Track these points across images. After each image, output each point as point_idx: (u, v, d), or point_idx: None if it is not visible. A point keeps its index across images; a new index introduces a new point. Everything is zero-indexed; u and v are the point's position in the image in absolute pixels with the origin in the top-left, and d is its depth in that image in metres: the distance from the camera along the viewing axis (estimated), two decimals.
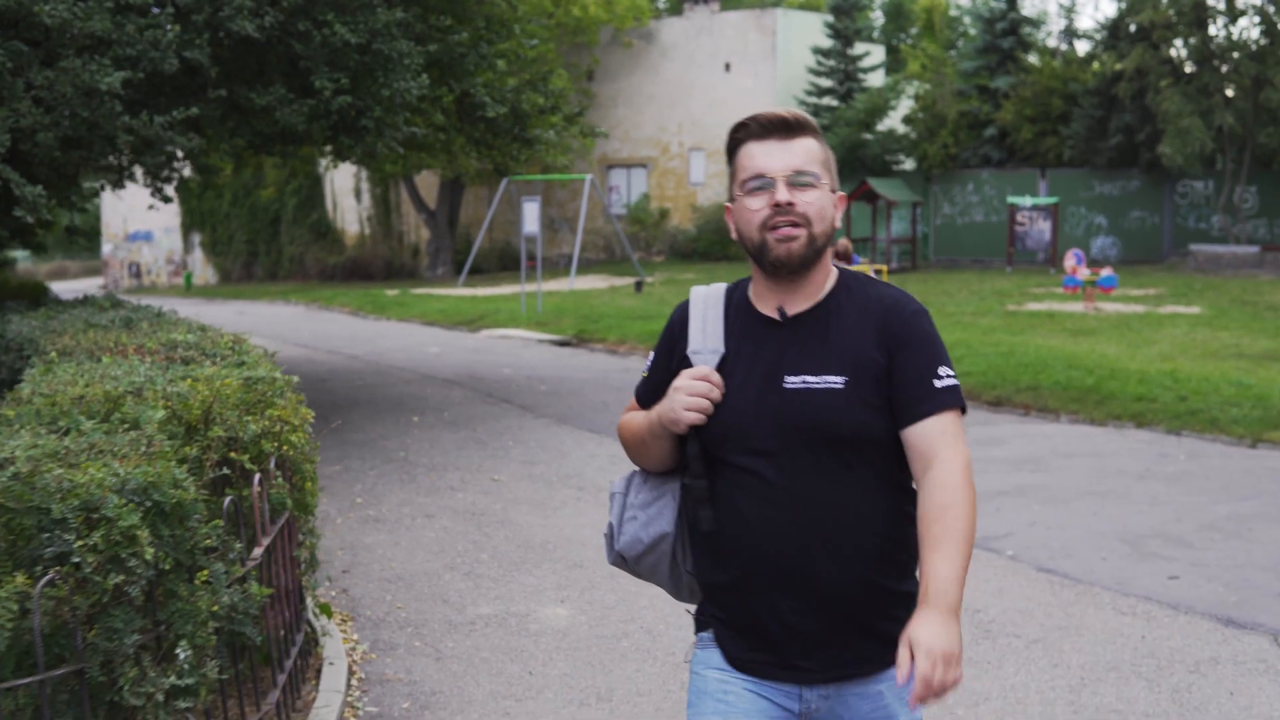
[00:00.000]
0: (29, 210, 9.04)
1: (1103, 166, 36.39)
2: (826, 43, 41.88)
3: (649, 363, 3.14)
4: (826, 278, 2.98)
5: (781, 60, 40.89)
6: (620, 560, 3.12)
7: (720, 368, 2.94)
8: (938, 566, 2.72)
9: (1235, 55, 32.24)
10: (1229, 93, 32.07)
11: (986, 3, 41.45)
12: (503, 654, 6.51)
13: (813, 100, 41.35)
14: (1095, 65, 36.75)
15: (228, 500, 4.85)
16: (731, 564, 2.92)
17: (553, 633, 6.81)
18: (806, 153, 2.92)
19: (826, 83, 41.63)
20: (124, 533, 4.00)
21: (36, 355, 7.21)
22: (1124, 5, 34.64)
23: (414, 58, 11.19)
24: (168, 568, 4.18)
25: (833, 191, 2.95)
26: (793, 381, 2.88)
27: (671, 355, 3.06)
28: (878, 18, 57.74)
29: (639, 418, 3.09)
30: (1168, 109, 31.79)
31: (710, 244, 40.49)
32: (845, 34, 41.39)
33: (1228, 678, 6.13)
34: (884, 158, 39.57)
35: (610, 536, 3.14)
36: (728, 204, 3.01)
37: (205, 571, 4.40)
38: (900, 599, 2.92)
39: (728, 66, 41.52)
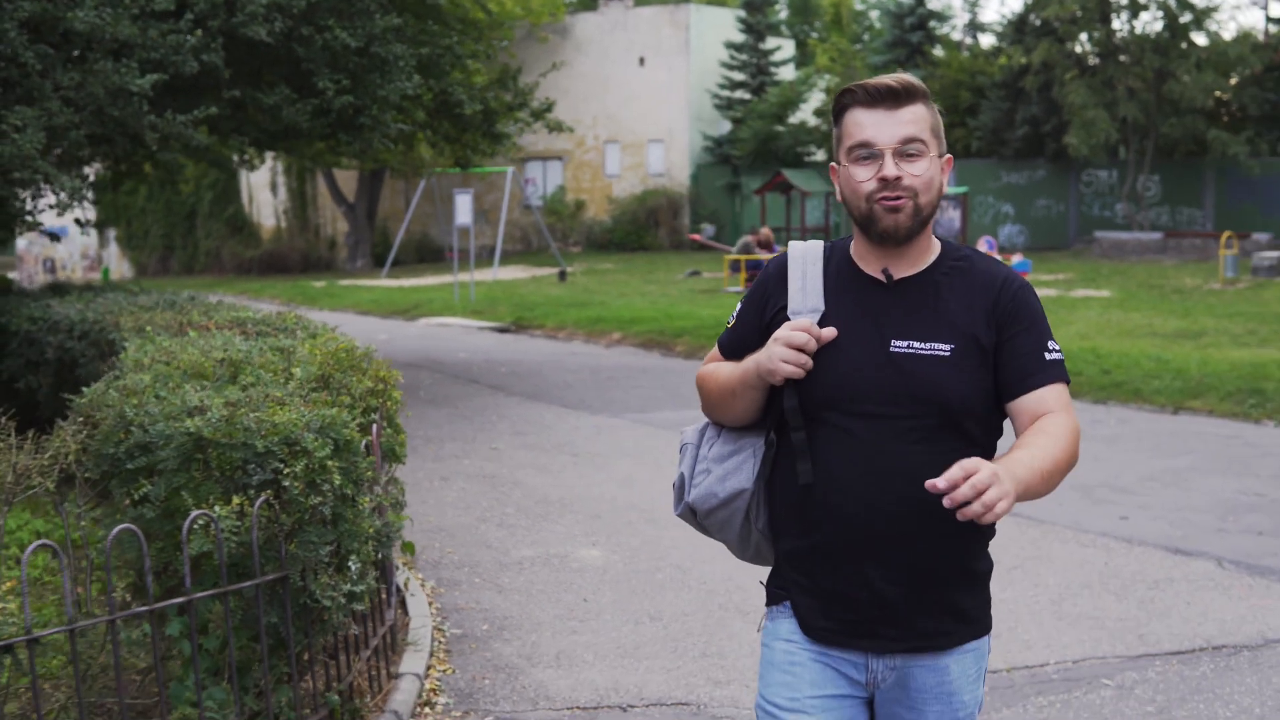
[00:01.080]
0: (74, 198, 9.86)
1: (1010, 157, 37.92)
2: (739, 37, 43.02)
3: (735, 314, 3.13)
4: (931, 244, 2.98)
5: (695, 54, 41.96)
6: (690, 512, 3.10)
7: (821, 325, 2.92)
8: (1019, 453, 2.77)
9: (1139, 49, 33.80)
10: (1132, 85, 33.62)
11: (896, 1, 42.83)
12: (555, 586, 7.45)
13: (725, 94, 42.49)
14: (1002, 59, 38.24)
15: (364, 442, 5.74)
16: (822, 526, 2.90)
17: (593, 569, 7.76)
18: (915, 121, 2.88)
19: (739, 76, 42.78)
20: (320, 463, 4.90)
21: (119, 331, 7.96)
22: (1030, 0, 36.12)
23: (407, 60, 12.09)
24: (349, 492, 5.08)
25: (940, 156, 2.94)
26: (899, 346, 2.87)
27: (764, 309, 3.04)
28: (783, 12, 59.08)
29: (725, 368, 3.06)
30: (1073, 101, 33.29)
31: (626, 235, 41.49)
32: (757, 28, 42.59)
33: (1183, 592, 7.23)
34: (796, 149, 40.82)
35: (680, 488, 3.11)
36: (833, 164, 3.00)
37: (366, 498, 5.31)
38: (981, 575, 2.97)
39: (642, 61, 42.52)
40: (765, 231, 29.38)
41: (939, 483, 2.55)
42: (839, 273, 2.99)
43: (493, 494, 9.75)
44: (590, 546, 8.27)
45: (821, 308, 2.94)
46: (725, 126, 42.60)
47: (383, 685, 5.80)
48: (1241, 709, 5.60)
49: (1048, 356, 2.90)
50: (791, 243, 3.06)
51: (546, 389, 15.03)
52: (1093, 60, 35.21)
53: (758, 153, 40.52)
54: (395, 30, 11.97)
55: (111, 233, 49.92)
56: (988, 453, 2.94)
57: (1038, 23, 36.15)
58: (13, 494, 4.94)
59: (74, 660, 4.22)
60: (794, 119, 41.33)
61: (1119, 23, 34.61)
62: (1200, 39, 33.91)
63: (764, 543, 3.05)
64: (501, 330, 22.87)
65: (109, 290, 11.20)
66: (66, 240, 52.86)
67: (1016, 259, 25.86)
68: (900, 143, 2.86)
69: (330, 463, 4.93)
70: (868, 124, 2.87)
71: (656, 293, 27.04)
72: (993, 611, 3.03)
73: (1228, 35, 34.27)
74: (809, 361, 2.85)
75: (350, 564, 5.17)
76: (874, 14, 51.99)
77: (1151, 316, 20.28)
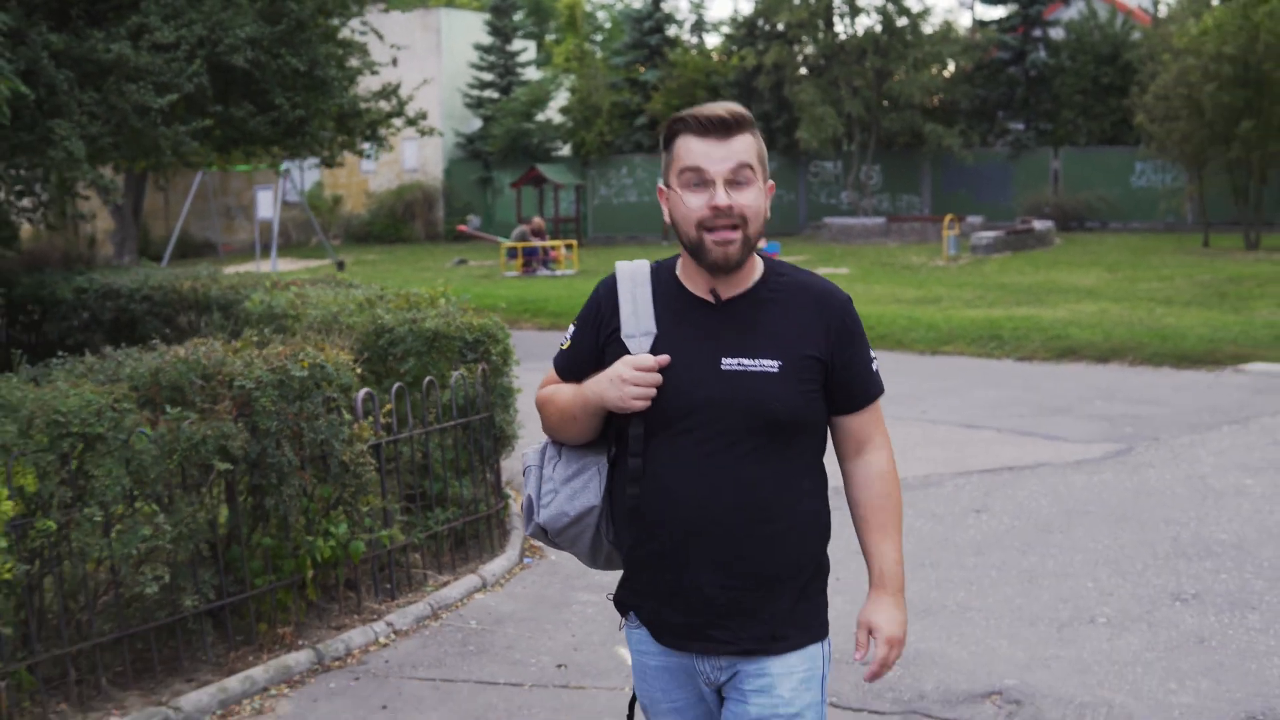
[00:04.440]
0: (112, 195, 12.76)
1: None
2: (487, 39, 46.41)
3: (569, 335, 3.26)
4: (755, 265, 3.13)
5: (446, 56, 45.16)
6: (541, 531, 3.24)
7: (654, 347, 3.06)
8: (885, 551, 3.10)
9: (859, 50, 38.64)
10: (856, 84, 38.41)
11: (627, 4, 46.94)
12: None
13: (475, 93, 45.83)
14: (734, 60, 42.66)
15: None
16: (658, 535, 3.07)
17: None
18: (745, 150, 3.02)
19: (488, 76, 46.17)
20: (505, 346, 8.29)
21: (244, 291, 10.92)
22: (760, 5, 40.65)
23: (340, 80, 15.22)
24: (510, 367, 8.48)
25: (764, 183, 3.07)
26: (729, 364, 3.02)
27: (598, 331, 3.18)
28: (518, 14, 62.60)
29: (565, 392, 3.20)
30: (804, 99, 37.88)
31: (384, 228, 44.41)
32: (504, 31, 46.08)
33: (980, 444, 11.11)
34: (544, 145, 44.50)
35: (529, 509, 3.25)
36: (661, 187, 3.12)
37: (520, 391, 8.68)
38: (812, 584, 3.14)
39: (395, 62, 45.36)
40: (538, 221, 32.94)
41: (856, 655, 3.17)
42: (667, 294, 3.14)
43: None
44: None
45: (654, 330, 3.08)
46: (476, 124, 45.94)
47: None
48: (1029, 495, 9.43)
49: (873, 367, 3.18)
50: (618, 264, 3.22)
51: None
52: (819, 61, 39.93)
53: (508, 148, 44.03)
54: (329, 57, 15.12)
55: None
56: (815, 459, 3.14)
57: (767, 27, 40.74)
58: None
59: (395, 459, 7.54)
60: (541, 117, 44.97)
61: (841, 26, 39.43)
62: (915, 40, 38.92)
63: (614, 553, 3.24)
64: None
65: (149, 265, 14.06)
66: None
67: (765, 243, 29.96)
68: (731, 171, 2.99)
69: (511, 349, 8.32)
70: (699, 152, 3.00)
71: (436, 279, 30.10)
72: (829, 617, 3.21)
73: (940, 38, 39.46)
74: (654, 393, 3.02)
75: (513, 408, 8.54)
76: (601, 14, 55.96)
77: (892, 288, 24.51)
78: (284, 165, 39.57)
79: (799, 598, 3.09)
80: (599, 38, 52.39)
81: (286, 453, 6.44)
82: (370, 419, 7.12)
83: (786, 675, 3.08)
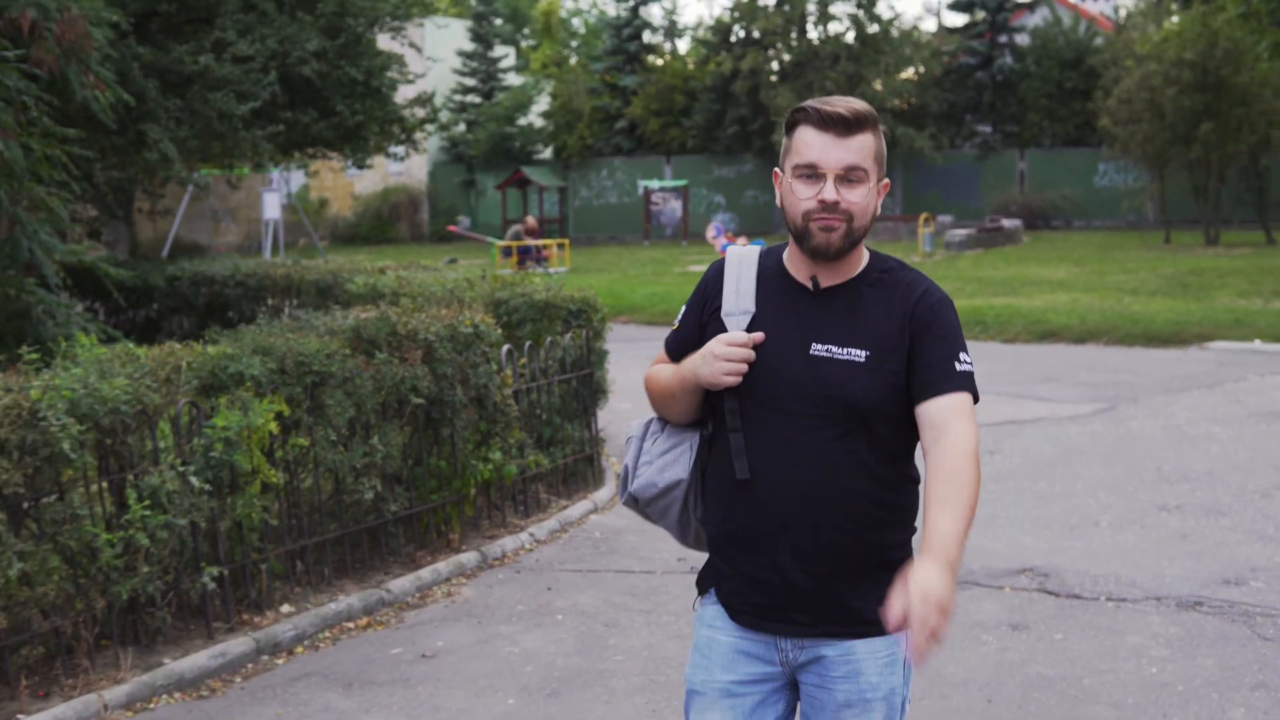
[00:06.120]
0: (205, 194, 14.46)
1: (720, 153, 44.34)
2: (469, 46, 48.15)
3: (680, 316, 3.39)
4: (860, 257, 3.21)
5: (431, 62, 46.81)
6: (633, 501, 3.41)
7: (750, 327, 3.18)
8: (942, 524, 2.91)
9: (832, 55, 40.60)
10: (829, 88, 40.30)
11: (603, 12, 48.78)
12: None
13: (459, 98, 47.53)
14: (710, 65, 44.52)
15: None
16: (740, 514, 3.18)
17: None
18: (861, 150, 3.08)
19: (471, 82, 47.88)
20: (603, 315, 10.01)
21: (344, 276, 12.58)
22: (735, 14, 42.54)
23: (392, 88, 16.99)
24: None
25: (879, 182, 3.15)
26: (819, 350, 3.12)
27: (703, 310, 3.32)
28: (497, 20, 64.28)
29: (667, 371, 3.35)
30: (779, 104, 39.76)
31: (370, 229, 46.05)
32: (486, 38, 47.82)
33: (985, 405, 12.91)
34: (526, 149, 46.28)
35: (624, 478, 3.42)
36: (777, 171, 3.23)
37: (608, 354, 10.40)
38: (892, 568, 3.11)
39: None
40: (531, 221, 34.61)
41: (890, 615, 2.76)
42: (771, 278, 3.24)
43: None
44: None
45: (752, 310, 3.20)
46: (459, 127, 47.63)
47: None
48: (1033, 441, 11.20)
49: (958, 367, 3.10)
50: (731, 247, 3.33)
51: None
52: (794, 66, 41.85)
53: (492, 152, 45.77)
54: (384, 67, 16.91)
55: None
56: (902, 449, 3.18)
57: (743, 33, 42.65)
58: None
59: (530, 403, 9.27)
60: (523, 120, 46.73)
61: (815, 32, 41.38)
62: (886, 47, 40.93)
63: (702, 531, 3.36)
64: None
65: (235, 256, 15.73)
66: None
67: (741, 241, 31.70)
68: (844, 169, 3.06)
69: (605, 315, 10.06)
70: (815, 145, 3.07)
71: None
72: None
73: (909, 42, 41.49)
74: (745, 369, 3.13)
75: (606, 367, 10.26)
76: (576, 21, 57.69)
77: None
78: (274, 170, 41.26)
79: (884, 584, 3.02)
80: (574, 43, 54.16)
81: (458, 393, 8.16)
82: (510, 370, 8.85)
83: (871, 657, 3.17)
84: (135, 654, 6.49)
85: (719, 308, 3.25)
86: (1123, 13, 42.51)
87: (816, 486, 3.09)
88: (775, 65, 42.56)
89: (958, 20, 45.65)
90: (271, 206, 30.97)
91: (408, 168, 47.05)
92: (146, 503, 6.35)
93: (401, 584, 7.66)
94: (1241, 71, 29.55)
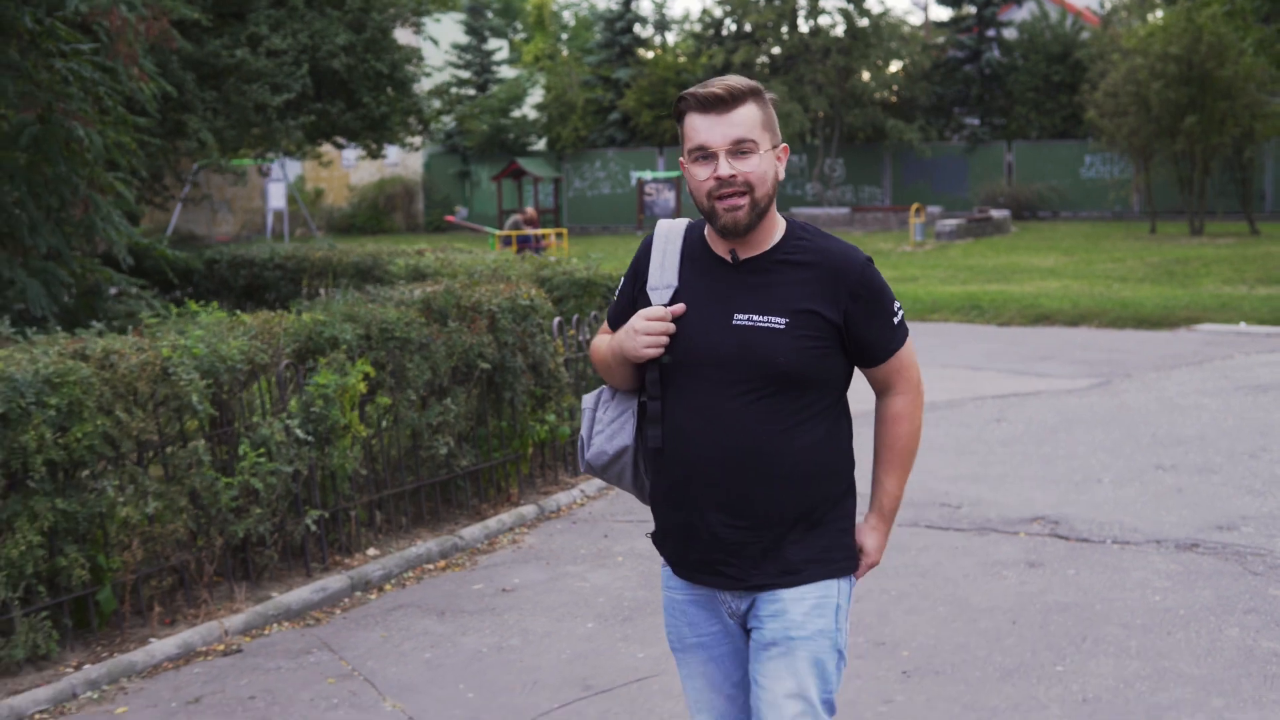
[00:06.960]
0: (241, 181, 15.20)
1: None
2: (464, 38, 48.89)
3: (618, 289, 3.59)
4: (775, 227, 3.38)
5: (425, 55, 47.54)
6: (589, 468, 3.61)
7: (673, 300, 3.37)
8: (889, 486, 3.50)
9: (823, 49, 41.45)
10: (820, 81, 41.18)
11: (594, 6, 49.59)
12: None
13: (454, 91, 48.22)
14: (703, 58, 45.31)
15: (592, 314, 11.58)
16: (671, 472, 3.39)
17: None
18: (745, 122, 3.25)
19: (465, 74, 48.64)
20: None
21: (384, 258, 13.37)
22: (728, 8, 43.37)
23: (416, 79, 17.80)
24: None
25: (774, 148, 3.31)
26: (740, 319, 3.29)
27: (635, 283, 3.52)
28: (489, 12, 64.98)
29: (606, 342, 3.53)
30: (771, 96, 40.52)
31: (366, 219, 46.74)
32: (480, 30, 48.57)
33: (986, 381, 13.76)
34: (520, 140, 47.08)
35: (581, 447, 3.62)
36: (681, 160, 3.39)
37: None
38: (825, 525, 3.39)
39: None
40: (530, 211, 35.28)
41: None
42: (694, 251, 3.44)
43: None
44: None
45: (675, 283, 3.39)
46: (448, 120, 48.35)
47: None
48: (1035, 411, 12.02)
49: (894, 321, 3.39)
50: (660, 221, 3.54)
51: None
52: (785, 60, 42.69)
53: (488, 143, 46.54)
54: (406, 59, 17.73)
55: None
56: (825, 410, 3.38)
57: (735, 27, 43.48)
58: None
59: (576, 371, 10.07)
60: (517, 113, 47.51)
61: (806, 26, 42.22)
62: (875, 40, 41.78)
63: None
64: None
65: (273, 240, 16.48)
66: None
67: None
68: (732, 144, 3.24)
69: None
70: (702, 128, 3.26)
71: None
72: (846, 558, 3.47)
73: (895, 35, 42.34)
74: (665, 341, 3.33)
75: None
76: (566, 14, 58.40)
77: None
78: (272, 160, 41.95)
79: (811, 536, 3.35)
80: (565, 36, 54.93)
81: (519, 359, 8.96)
82: (561, 340, 9.65)
83: (798, 600, 3.37)
84: (246, 589, 7.29)
85: (647, 281, 3.46)
86: (1108, 6, 43.40)
87: (738, 449, 3.29)
88: (766, 59, 43.35)
89: (945, 15, 46.53)
90: (277, 196, 31.74)
91: (403, 158, 47.75)
92: (262, 450, 7.15)
93: (472, 531, 8.46)
94: (1226, 65, 30.41)
